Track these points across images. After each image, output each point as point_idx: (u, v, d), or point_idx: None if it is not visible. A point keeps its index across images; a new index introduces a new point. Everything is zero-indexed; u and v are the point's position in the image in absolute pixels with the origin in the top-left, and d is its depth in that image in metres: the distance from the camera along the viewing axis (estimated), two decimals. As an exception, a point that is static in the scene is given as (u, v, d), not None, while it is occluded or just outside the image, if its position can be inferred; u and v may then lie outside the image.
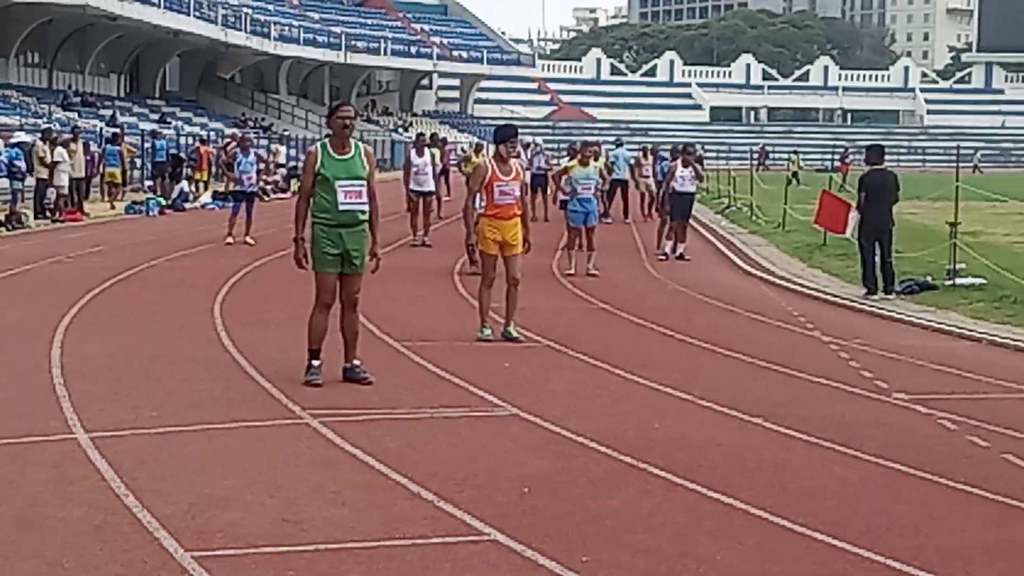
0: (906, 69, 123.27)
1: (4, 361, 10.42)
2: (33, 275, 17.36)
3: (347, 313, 9.74)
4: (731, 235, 27.21)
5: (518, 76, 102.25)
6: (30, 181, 28.01)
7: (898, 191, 16.66)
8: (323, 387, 9.35)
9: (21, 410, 8.47)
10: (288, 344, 10.81)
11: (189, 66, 74.71)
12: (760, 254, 22.76)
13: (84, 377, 9.68)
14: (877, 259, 16.46)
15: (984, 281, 16.73)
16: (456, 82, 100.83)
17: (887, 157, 17.37)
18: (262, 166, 25.82)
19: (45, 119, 43.66)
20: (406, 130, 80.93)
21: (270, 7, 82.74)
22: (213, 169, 40.44)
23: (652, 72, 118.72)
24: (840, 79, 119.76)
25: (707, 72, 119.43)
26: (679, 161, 21.88)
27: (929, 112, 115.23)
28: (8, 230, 25.00)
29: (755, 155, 72.14)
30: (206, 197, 35.88)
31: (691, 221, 23.11)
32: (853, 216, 18.17)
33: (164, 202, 33.38)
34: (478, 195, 12.28)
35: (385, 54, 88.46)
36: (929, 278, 17.14)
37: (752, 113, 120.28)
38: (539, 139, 41.52)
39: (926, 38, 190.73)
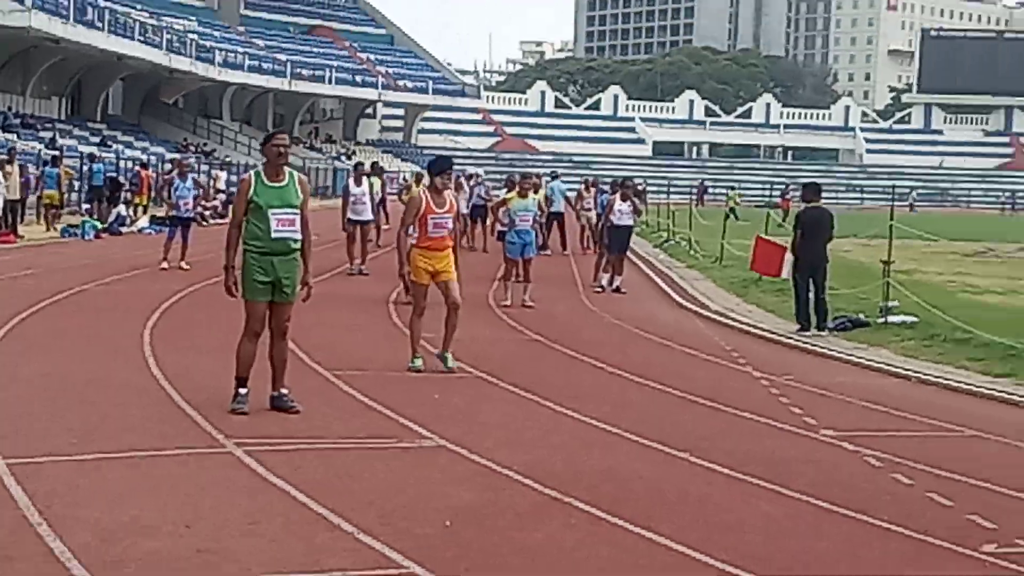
0: (847, 108, 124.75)
1: (-74, 384, 10.25)
2: (-38, 297, 17.11)
3: (276, 341, 9.67)
4: (668, 269, 27.32)
5: (463, 107, 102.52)
6: (-36, 202, 27.68)
7: (832, 229, 16.82)
8: (250, 415, 9.26)
9: (-61, 435, 8.32)
10: (218, 371, 10.69)
11: (132, 90, 74.18)
12: (696, 288, 22.85)
13: (3, 402, 9.54)
14: (811, 295, 16.59)
15: (916, 319, 16.87)
16: (400, 111, 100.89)
17: (826, 195, 17.52)
18: (199, 191, 25.57)
19: (-17, 140, 43.18)
20: (349, 158, 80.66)
21: (216, 33, 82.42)
22: (152, 193, 40.13)
23: (596, 106, 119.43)
24: (782, 117, 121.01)
25: (651, 107, 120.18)
26: (618, 195, 21.97)
27: (869, 151, 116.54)
28: (-60, 251, 24.67)
29: (694, 190, 72.92)
30: (143, 221, 35.59)
31: (629, 254, 23.19)
32: (788, 258, 18.26)
33: (100, 226, 33.08)
34: (412, 226, 12.24)
35: (330, 82, 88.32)
36: (862, 315, 17.26)
37: (694, 148, 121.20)
38: (480, 170, 41.52)
39: (867, 78, 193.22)
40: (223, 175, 51.41)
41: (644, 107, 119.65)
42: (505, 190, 23.69)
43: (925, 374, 13.33)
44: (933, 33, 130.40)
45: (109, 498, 6.94)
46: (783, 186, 70.45)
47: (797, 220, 17.22)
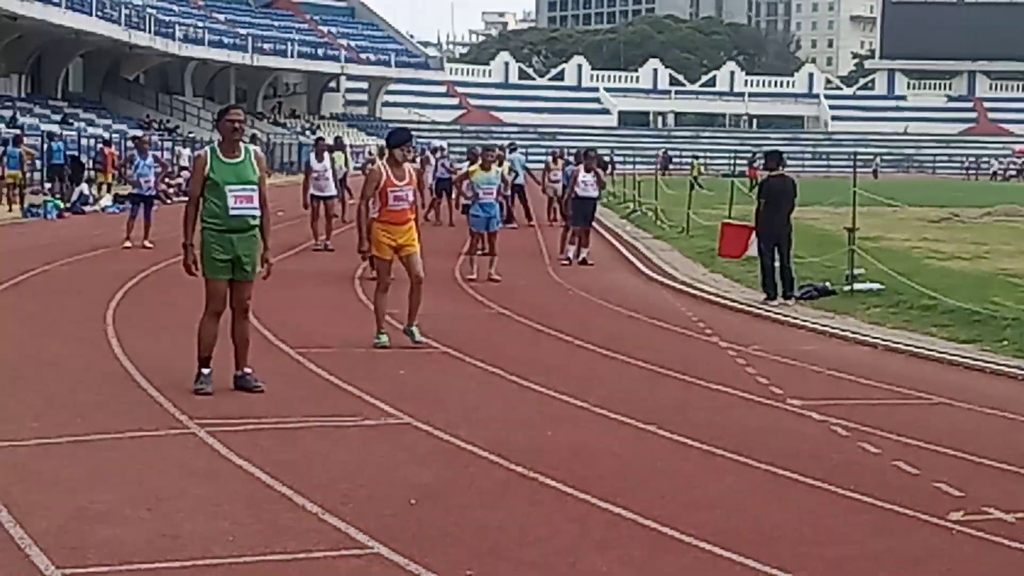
0: (811, 76, 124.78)
1: None
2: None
3: (238, 320, 9.57)
4: (635, 239, 27.27)
5: (426, 80, 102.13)
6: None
7: (795, 197, 16.80)
8: (213, 396, 9.17)
9: None
10: (180, 351, 10.55)
11: (92, 67, 73.59)
12: (663, 259, 22.81)
13: (-35, 386, 9.43)
14: (777, 264, 16.57)
15: (882, 286, 16.88)
16: (364, 85, 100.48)
17: (792, 162, 17.52)
18: (159, 169, 25.34)
19: (-59, 120, 42.78)
20: (313, 133, 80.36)
21: (174, 8, 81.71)
22: (116, 171, 39.82)
23: (560, 76, 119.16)
24: (746, 85, 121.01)
25: (615, 77, 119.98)
26: (582, 166, 21.90)
27: (833, 118, 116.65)
28: (-101, 233, 24.40)
29: (658, 160, 73.00)
30: (107, 200, 35.29)
31: (596, 226, 23.12)
32: (753, 239, 18.14)
33: (63, 205, 32.80)
34: (372, 200, 12.13)
35: (292, 56, 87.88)
36: (828, 283, 17.26)
37: (660, 118, 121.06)
38: (443, 143, 41.37)
39: (830, 45, 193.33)
40: (186, 152, 50.98)
41: (608, 77, 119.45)
42: (468, 163, 23.58)
43: (891, 342, 13.34)
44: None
45: (70, 483, 6.85)
46: (750, 155, 70.59)
47: (760, 189, 17.21)
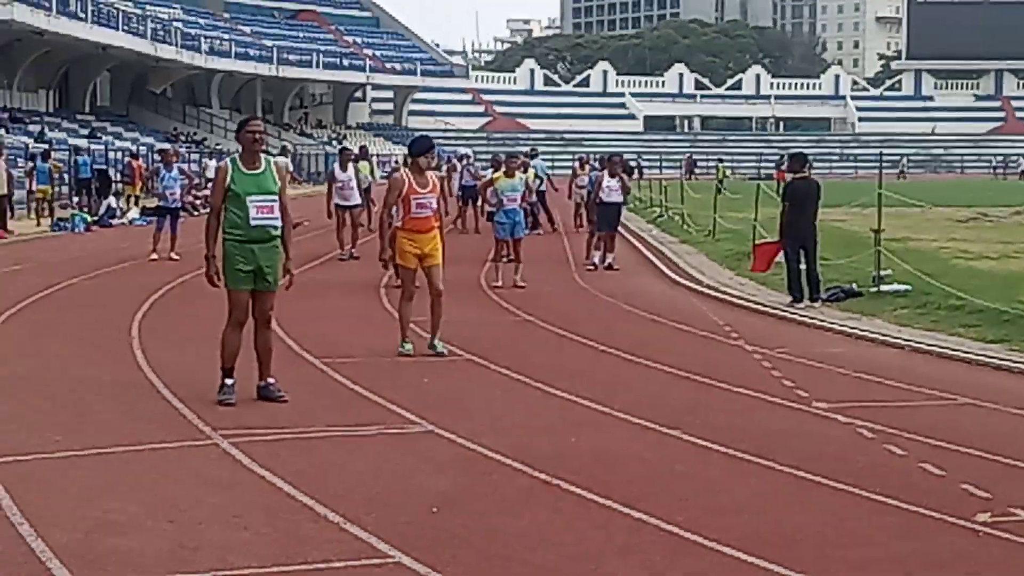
0: (837, 77, 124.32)
1: (-90, 385, 10.16)
2: (-50, 295, 17.01)
3: (260, 330, 9.58)
4: (661, 244, 27.20)
5: (452, 88, 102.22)
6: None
7: (819, 200, 16.72)
8: (236, 406, 9.18)
9: (-79, 436, 8.23)
10: (204, 363, 10.56)
11: (119, 80, 73.91)
12: (689, 263, 22.75)
13: (-10, 400, 9.46)
14: (803, 267, 16.50)
15: (909, 288, 16.76)
16: (390, 94, 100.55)
17: (819, 165, 17.48)
18: (186, 181, 25.45)
19: (-29, 136, 42.95)
20: (340, 142, 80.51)
21: (200, 21, 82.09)
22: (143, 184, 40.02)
23: (585, 82, 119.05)
24: (772, 88, 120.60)
25: (640, 82, 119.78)
26: (606, 171, 21.86)
27: (860, 120, 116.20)
28: (-72, 249, 24.55)
29: (683, 164, 72.83)
30: (134, 213, 35.46)
31: (622, 231, 23.07)
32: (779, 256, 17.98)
33: (90, 218, 32.97)
34: (395, 208, 12.13)
35: (317, 67, 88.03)
36: (855, 285, 17.16)
37: (686, 122, 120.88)
38: (469, 151, 41.41)
39: (856, 46, 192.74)
40: (212, 163, 51.10)
41: (634, 82, 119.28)
42: (492, 170, 23.57)
43: (918, 343, 13.25)
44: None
45: (92, 495, 6.86)
46: (778, 157, 70.33)
47: (785, 192, 17.15)
